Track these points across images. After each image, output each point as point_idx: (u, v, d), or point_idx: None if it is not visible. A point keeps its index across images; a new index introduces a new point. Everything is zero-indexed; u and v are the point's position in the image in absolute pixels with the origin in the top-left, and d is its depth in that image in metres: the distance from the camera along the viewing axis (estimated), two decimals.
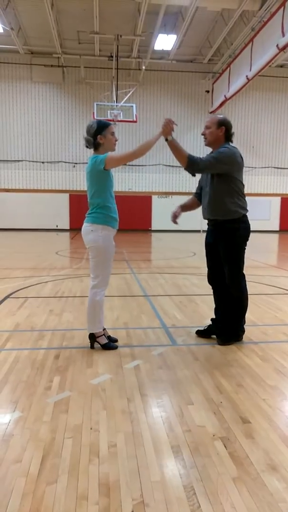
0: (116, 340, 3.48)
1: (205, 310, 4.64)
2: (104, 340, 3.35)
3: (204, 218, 3.56)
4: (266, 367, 2.98)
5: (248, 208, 3.43)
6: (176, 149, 3.25)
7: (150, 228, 20.68)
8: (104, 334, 3.38)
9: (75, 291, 5.66)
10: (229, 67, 16.29)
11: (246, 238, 3.43)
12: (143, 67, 18.51)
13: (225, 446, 1.98)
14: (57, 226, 19.82)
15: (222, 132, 3.36)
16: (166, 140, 3.22)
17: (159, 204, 20.50)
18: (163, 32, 15.60)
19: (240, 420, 2.22)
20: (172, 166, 19.49)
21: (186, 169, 3.30)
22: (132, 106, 16.66)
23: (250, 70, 13.75)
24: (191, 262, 8.95)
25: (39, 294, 5.46)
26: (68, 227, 19.58)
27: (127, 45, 17.16)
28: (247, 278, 3.54)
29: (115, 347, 3.36)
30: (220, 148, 3.31)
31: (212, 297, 3.75)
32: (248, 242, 3.43)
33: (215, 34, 16.20)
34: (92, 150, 3.29)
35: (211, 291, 3.74)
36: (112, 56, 17.36)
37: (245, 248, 3.46)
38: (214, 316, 3.70)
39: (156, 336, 3.73)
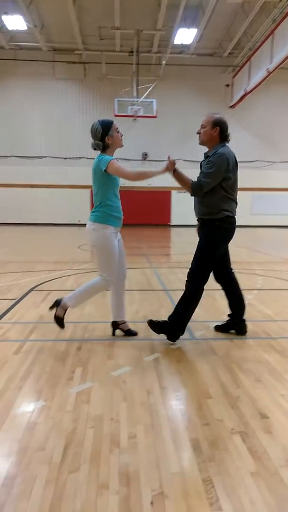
0: (136, 333, 3.54)
1: (223, 305, 4.57)
2: (61, 313, 3.36)
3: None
4: (285, 363, 2.97)
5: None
6: (180, 178, 3.29)
7: (169, 223, 20.63)
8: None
9: None
10: (249, 60, 16.07)
11: (224, 239, 3.39)
12: (164, 62, 18.41)
13: (243, 441, 1.99)
14: (79, 221, 19.99)
15: (216, 132, 3.28)
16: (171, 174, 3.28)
17: (178, 199, 20.45)
18: (184, 26, 15.45)
19: (259, 415, 2.23)
20: (191, 161, 19.33)
21: (192, 195, 3.33)
22: (152, 101, 16.60)
23: (271, 62, 13.54)
24: None
25: (62, 287, 5.55)
26: None
27: (148, 40, 17.10)
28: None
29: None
30: (212, 156, 3.23)
31: None
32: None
33: (236, 27, 15.96)
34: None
35: None
36: (132, 52, 17.33)
37: (220, 252, 3.42)
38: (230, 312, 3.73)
39: None
